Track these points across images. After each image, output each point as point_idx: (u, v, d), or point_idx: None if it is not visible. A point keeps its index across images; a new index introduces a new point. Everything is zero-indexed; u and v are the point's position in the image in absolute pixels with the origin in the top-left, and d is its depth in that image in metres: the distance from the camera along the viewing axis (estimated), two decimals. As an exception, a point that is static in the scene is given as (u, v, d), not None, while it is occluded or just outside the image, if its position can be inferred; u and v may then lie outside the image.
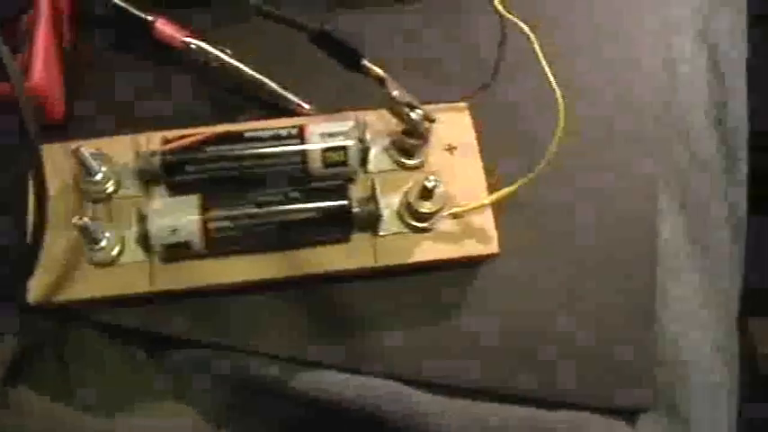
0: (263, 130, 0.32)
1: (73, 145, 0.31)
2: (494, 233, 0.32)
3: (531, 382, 0.32)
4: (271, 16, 0.29)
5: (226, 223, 0.30)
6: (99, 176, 0.31)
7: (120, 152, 0.32)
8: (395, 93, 0.30)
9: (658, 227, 0.36)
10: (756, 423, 0.63)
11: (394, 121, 0.32)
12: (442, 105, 0.34)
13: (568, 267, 0.34)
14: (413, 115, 0.31)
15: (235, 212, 0.30)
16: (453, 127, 0.34)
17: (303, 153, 0.31)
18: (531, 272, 0.34)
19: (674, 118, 0.39)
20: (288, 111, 0.35)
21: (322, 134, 0.31)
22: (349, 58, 0.29)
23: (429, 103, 0.33)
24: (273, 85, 0.34)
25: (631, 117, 0.37)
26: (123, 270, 0.31)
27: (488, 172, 0.34)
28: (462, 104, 0.35)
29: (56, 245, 0.31)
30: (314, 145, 0.31)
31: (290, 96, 0.34)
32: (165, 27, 0.34)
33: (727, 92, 0.41)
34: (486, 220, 0.32)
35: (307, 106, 0.34)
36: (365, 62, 0.30)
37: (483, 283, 0.33)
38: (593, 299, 0.34)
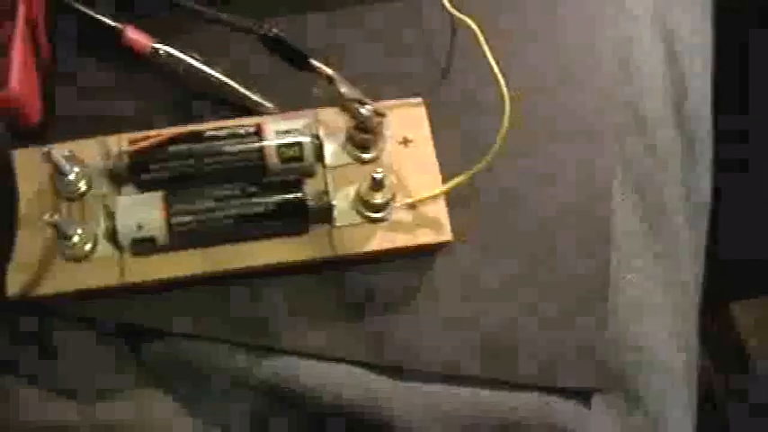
0: (222, 128, 0.33)
1: (45, 148, 0.33)
2: (447, 221, 0.34)
3: (480, 365, 0.34)
4: (221, 22, 0.31)
5: (187, 218, 0.32)
6: (71, 176, 0.33)
7: (90, 154, 0.34)
8: (344, 90, 0.32)
9: (611, 214, 0.37)
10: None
11: (347, 119, 0.33)
12: (397, 101, 0.36)
13: (520, 256, 0.35)
14: (363, 111, 0.32)
15: (195, 207, 0.32)
16: (408, 121, 0.35)
17: (260, 150, 0.33)
18: (484, 260, 0.35)
19: (629, 105, 0.39)
20: (254, 111, 0.36)
21: (278, 131, 0.33)
22: (297, 59, 0.31)
23: (385, 99, 0.35)
24: (238, 86, 0.36)
25: (585, 105, 0.38)
26: (95, 264, 0.33)
27: (442, 164, 0.35)
28: (417, 99, 0.36)
29: (32, 242, 0.33)
30: (270, 142, 0.33)
31: (255, 97, 0.36)
32: (133, 34, 0.36)
33: (687, 79, 0.41)
34: (440, 209, 0.34)
35: (270, 105, 0.36)
36: (313, 62, 0.31)
37: (436, 272, 0.35)
38: (545, 286, 0.35)
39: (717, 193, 0.45)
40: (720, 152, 0.45)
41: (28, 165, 0.33)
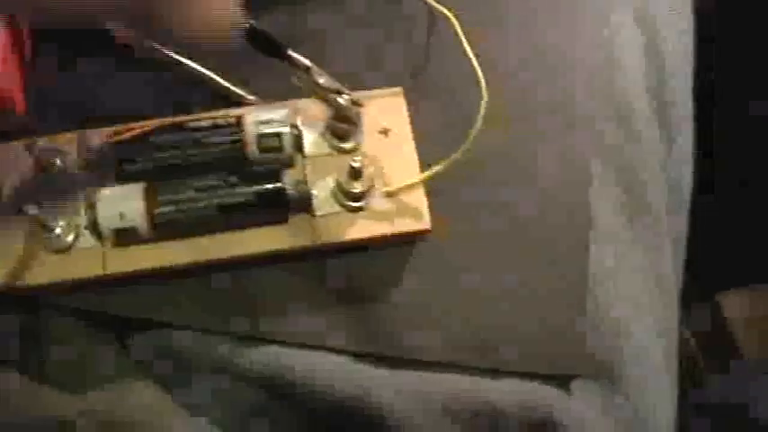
0: (203, 120, 0.34)
1: (27, 140, 0.33)
2: (425, 210, 0.34)
3: (463, 353, 0.34)
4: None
5: (169, 208, 0.32)
6: (53, 170, 0.33)
7: (73, 146, 0.34)
8: (321, 80, 0.32)
9: (592, 205, 0.37)
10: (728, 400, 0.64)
11: (326, 109, 0.34)
12: (376, 91, 0.36)
13: (501, 246, 0.36)
14: (340, 101, 0.33)
15: (177, 198, 0.32)
16: (387, 111, 0.36)
17: (240, 140, 0.33)
18: (465, 250, 0.36)
19: (609, 96, 0.40)
20: (236, 103, 0.37)
21: (257, 122, 0.33)
22: (274, 49, 0.31)
23: (364, 89, 0.35)
24: (220, 79, 0.36)
25: (564, 95, 0.39)
26: (78, 255, 0.33)
27: (421, 153, 0.35)
28: (397, 89, 0.36)
29: (15, 234, 0.33)
30: (250, 132, 0.33)
31: (237, 90, 0.36)
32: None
33: (667, 69, 0.42)
34: (418, 198, 0.34)
35: (252, 98, 0.36)
36: (290, 53, 0.31)
37: (419, 262, 0.35)
38: (526, 274, 0.35)
39: (705, 185, 0.46)
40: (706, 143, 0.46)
41: (9, 158, 0.33)
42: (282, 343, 0.34)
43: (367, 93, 0.35)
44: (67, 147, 0.34)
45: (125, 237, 0.33)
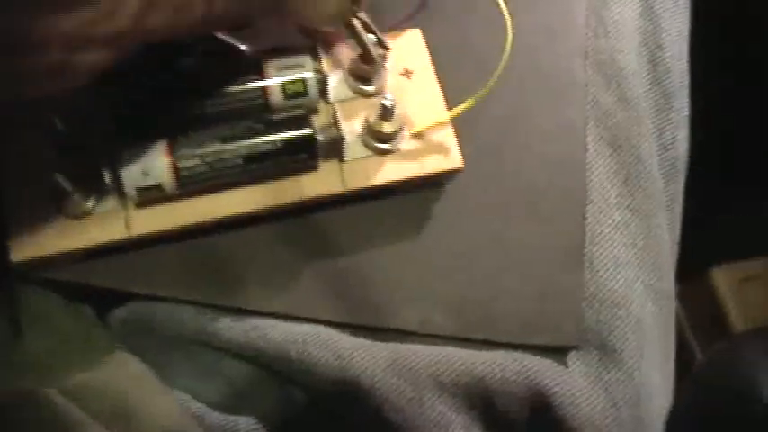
0: (221, 69, 0.32)
1: None
2: (456, 148, 0.33)
3: (455, 324, 0.33)
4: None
5: (194, 161, 0.31)
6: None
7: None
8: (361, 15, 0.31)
9: (587, 168, 0.36)
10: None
11: (348, 52, 0.33)
12: (394, 32, 0.35)
13: (496, 212, 0.35)
14: (369, 39, 0.32)
15: (201, 150, 0.31)
16: (408, 52, 0.35)
17: (263, 88, 0.32)
18: (458, 217, 0.35)
19: (604, 59, 0.39)
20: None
21: (279, 68, 0.32)
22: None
23: (382, 30, 0.34)
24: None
25: (557, 59, 0.38)
26: (99, 219, 0.32)
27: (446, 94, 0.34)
28: (415, 30, 0.35)
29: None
30: (272, 80, 0.32)
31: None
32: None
33: (662, 32, 0.41)
34: (447, 137, 0.33)
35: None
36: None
37: (408, 230, 0.35)
38: (521, 240, 0.35)
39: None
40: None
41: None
42: (267, 315, 0.33)
43: (385, 34, 0.34)
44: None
45: (149, 196, 0.31)
